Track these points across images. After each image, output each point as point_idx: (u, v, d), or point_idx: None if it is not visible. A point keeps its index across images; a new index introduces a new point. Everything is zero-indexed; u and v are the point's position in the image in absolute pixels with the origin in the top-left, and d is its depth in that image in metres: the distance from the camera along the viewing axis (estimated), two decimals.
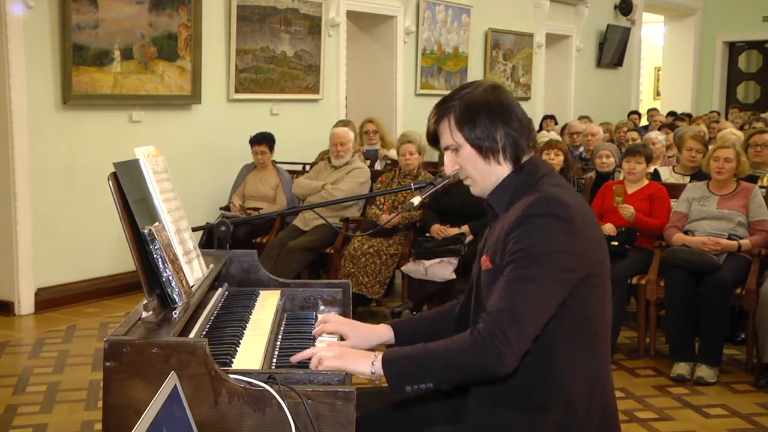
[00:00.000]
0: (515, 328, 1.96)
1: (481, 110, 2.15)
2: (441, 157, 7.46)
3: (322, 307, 2.81)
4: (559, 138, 8.01)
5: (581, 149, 8.50)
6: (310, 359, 2.13)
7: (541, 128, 11.16)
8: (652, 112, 13.27)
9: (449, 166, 2.23)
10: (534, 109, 12.52)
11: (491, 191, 2.22)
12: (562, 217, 2.04)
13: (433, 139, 2.26)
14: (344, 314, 2.74)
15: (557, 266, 2.01)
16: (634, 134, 8.40)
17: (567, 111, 13.22)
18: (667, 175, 6.54)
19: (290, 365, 2.17)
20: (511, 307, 1.98)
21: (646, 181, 5.75)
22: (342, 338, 2.39)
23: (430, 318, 2.49)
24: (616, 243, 5.42)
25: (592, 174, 6.70)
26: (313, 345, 2.36)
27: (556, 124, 11.34)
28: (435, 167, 7.64)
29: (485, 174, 2.20)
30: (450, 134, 2.19)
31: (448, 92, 2.26)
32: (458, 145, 2.19)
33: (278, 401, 1.87)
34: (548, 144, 6.32)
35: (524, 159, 2.20)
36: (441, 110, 2.21)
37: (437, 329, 2.40)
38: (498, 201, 2.21)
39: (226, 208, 7.21)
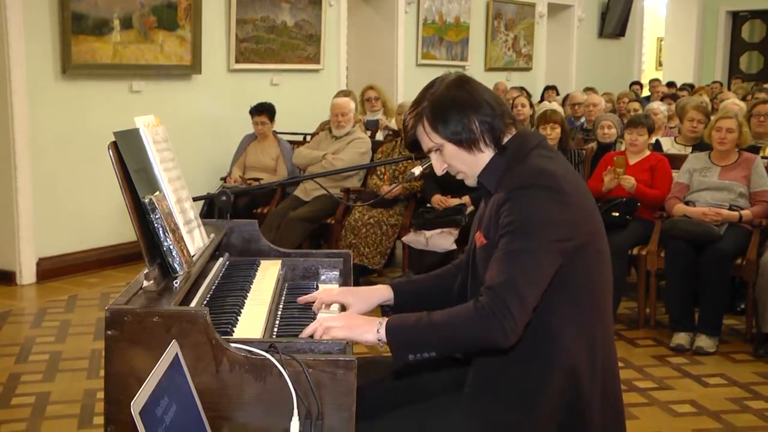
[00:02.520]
0: (516, 301, 1.98)
1: (450, 106, 2.17)
2: None
3: (323, 276, 2.81)
4: (559, 109, 7.99)
5: (583, 120, 8.48)
6: None
7: (542, 99, 11.11)
8: (654, 82, 13.23)
9: (438, 167, 2.27)
10: (535, 80, 12.47)
11: (482, 171, 2.24)
12: (551, 187, 2.06)
13: (414, 146, 2.28)
14: (345, 284, 2.75)
15: (549, 236, 2.03)
16: (636, 105, 8.38)
17: (569, 81, 13.17)
18: (668, 145, 6.52)
19: (291, 334, 2.18)
20: (509, 280, 1.99)
21: (647, 152, 5.74)
22: (343, 308, 2.40)
23: (428, 280, 2.52)
24: (617, 214, 5.42)
25: (593, 145, 6.68)
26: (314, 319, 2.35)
27: (557, 94, 11.30)
28: None
29: (473, 164, 2.23)
30: (428, 137, 2.22)
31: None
32: (439, 145, 2.21)
33: (279, 370, 1.88)
34: (543, 117, 6.28)
35: (507, 137, 2.21)
36: (413, 117, 2.24)
37: (435, 291, 2.43)
38: (489, 180, 2.23)
39: (227, 179, 7.21)
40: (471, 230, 2.35)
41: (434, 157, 2.26)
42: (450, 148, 2.21)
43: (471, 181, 2.28)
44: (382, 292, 2.44)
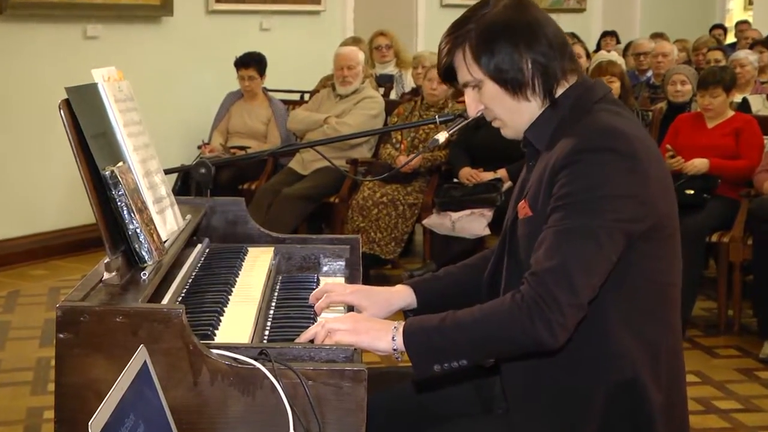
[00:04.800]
0: (567, 292, 1.97)
1: (501, 34, 2.14)
2: None
3: (325, 268, 2.83)
4: (619, 60, 7.96)
5: (649, 74, 8.44)
6: None
7: (598, 48, 11.07)
8: (741, 26, 13.11)
9: (472, 107, 2.25)
10: (590, 24, 12.41)
11: (531, 126, 2.22)
12: (624, 152, 2.04)
13: (447, 74, 2.26)
14: (352, 278, 2.76)
15: (617, 213, 2.01)
16: (718, 54, 8.32)
17: (632, 26, 13.08)
18: (759, 105, 6.49)
19: (286, 338, 2.20)
20: (561, 266, 1.98)
21: (731, 113, 5.70)
22: (352, 311, 2.40)
23: (459, 274, 2.51)
24: (692, 191, 5.39)
25: (662, 105, 6.67)
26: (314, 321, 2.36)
27: (618, 42, 11.24)
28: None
29: (514, 113, 2.21)
30: (466, 68, 2.19)
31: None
32: (477, 80, 2.19)
33: (271, 382, 1.89)
34: (599, 70, 6.26)
35: (563, 88, 2.19)
36: (454, 39, 2.20)
37: (469, 288, 2.42)
38: (538, 136, 2.21)
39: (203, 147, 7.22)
40: (511, 201, 2.34)
41: (470, 94, 2.23)
42: (490, 87, 2.18)
43: (509, 133, 2.26)
44: (402, 295, 2.44)
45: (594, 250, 2.00)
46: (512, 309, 2.00)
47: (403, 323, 2.11)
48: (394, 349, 2.09)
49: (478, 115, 2.28)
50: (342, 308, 2.43)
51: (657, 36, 10.15)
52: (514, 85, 2.16)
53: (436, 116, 2.85)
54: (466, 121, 2.47)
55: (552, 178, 2.08)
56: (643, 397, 2.11)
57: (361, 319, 2.21)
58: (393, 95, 8.10)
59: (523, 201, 2.19)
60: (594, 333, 2.09)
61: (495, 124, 2.27)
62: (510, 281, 2.22)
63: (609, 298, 2.07)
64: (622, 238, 2.03)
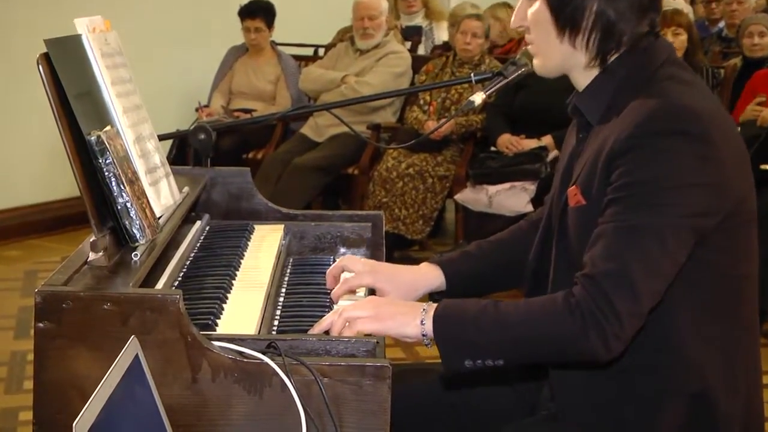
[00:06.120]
0: (628, 300, 1.96)
1: None
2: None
3: (343, 249, 2.84)
4: (686, 8, 7.90)
5: (721, 24, 8.38)
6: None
7: None
8: None
9: (515, 19, 2.26)
10: None
11: (581, 92, 2.22)
12: (695, 135, 2.01)
13: None
14: (374, 260, 2.75)
15: (686, 208, 1.99)
16: None
17: None
18: None
19: (298, 329, 2.21)
20: (621, 270, 1.97)
21: None
22: (374, 294, 2.42)
23: (493, 251, 2.51)
24: None
25: (736, 60, 6.62)
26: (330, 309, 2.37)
27: None
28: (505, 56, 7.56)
29: (552, 50, 2.20)
30: None
31: None
32: None
33: (281, 379, 1.90)
34: (662, 19, 6.17)
35: (619, 53, 2.17)
36: None
37: (505, 269, 2.44)
38: (590, 105, 2.21)
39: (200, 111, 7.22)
40: (556, 174, 2.33)
41: (521, 6, 2.24)
42: (541, 9, 2.17)
43: (539, 66, 2.26)
44: (430, 277, 2.45)
45: (659, 251, 1.98)
46: (564, 314, 1.99)
47: (434, 306, 2.11)
48: (424, 335, 2.10)
49: (529, 65, 2.27)
50: (362, 293, 2.44)
51: None
52: (565, 23, 2.15)
53: (471, 74, 2.84)
54: (505, 80, 2.47)
55: (609, 163, 2.06)
56: (715, 409, 2.11)
57: (384, 303, 2.22)
58: (421, 50, 8.07)
59: (574, 187, 2.17)
60: (657, 340, 2.09)
61: (530, 49, 2.28)
62: (558, 275, 2.22)
63: (674, 299, 2.06)
64: (691, 235, 2.01)
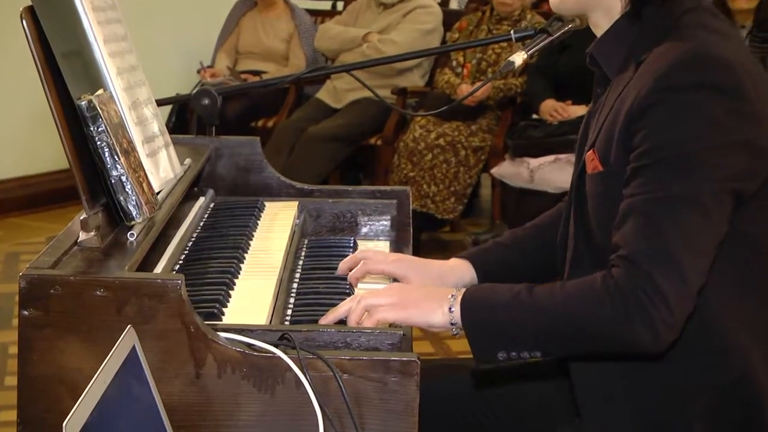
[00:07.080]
0: (676, 281, 1.94)
1: None
2: None
3: (364, 229, 2.83)
4: None
5: None
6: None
7: None
8: None
9: None
10: None
11: (599, 39, 2.21)
12: (727, 87, 1.99)
13: None
14: (399, 242, 2.77)
15: (723, 170, 1.97)
16: None
17: None
18: None
19: (314, 319, 2.20)
20: (663, 248, 1.95)
21: None
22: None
23: (528, 239, 2.53)
24: None
25: None
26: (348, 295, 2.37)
27: None
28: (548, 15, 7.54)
29: None
30: None
31: None
32: None
33: (295, 375, 1.89)
34: None
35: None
36: None
37: (542, 258, 2.44)
38: (607, 54, 2.20)
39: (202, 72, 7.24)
40: (579, 137, 2.31)
41: None
42: None
43: (554, 2, 2.24)
44: (458, 272, 2.47)
45: (700, 222, 1.96)
46: (604, 300, 1.98)
47: (463, 291, 2.12)
48: (452, 323, 2.10)
49: (577, 21, 2.26)
50: (385, 281, 2.44)
51: None
52: None
53: (511, 31, 2.83)
54: (549, 38, 2.46)
55: (629, 124, 2.04)
56: (756, 399, 2.11)
57: (408, 289, 2.24)
58: (454, 4, 8.06)
59: (591, 151, 2.16)
60: (691, 324, 2.06)
61: None
62: (576, 253, 2.21)
63: (710, 278, 2.03)
64: (731, 200, 2.00)
